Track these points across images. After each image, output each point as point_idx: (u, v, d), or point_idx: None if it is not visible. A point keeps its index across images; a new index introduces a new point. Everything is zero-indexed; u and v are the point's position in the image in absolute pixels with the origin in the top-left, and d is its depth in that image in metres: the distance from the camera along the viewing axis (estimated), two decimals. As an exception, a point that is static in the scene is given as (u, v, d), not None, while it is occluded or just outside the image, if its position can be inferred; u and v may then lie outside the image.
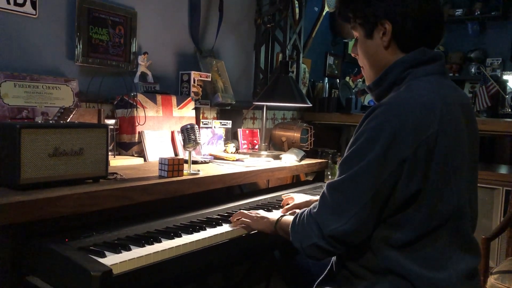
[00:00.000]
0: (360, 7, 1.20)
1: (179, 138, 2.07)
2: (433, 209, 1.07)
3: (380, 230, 1.10)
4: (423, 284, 1.07)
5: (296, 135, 2.55)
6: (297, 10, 2.97)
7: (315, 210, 1.14)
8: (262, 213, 1.49)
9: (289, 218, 1.30)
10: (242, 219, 1.49)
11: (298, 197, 1.75)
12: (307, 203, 1.67)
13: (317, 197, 1.71)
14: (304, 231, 1.14)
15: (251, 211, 1.54)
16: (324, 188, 1.14)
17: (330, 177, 2.89)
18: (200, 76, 2.33)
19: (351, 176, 1.07)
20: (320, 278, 1.30)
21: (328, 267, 1.29)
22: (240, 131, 2.54)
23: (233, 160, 2.07)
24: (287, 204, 1.72)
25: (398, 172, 1.04)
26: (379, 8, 1.16)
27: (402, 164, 1.03)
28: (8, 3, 1.68)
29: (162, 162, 1.56)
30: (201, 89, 2.34)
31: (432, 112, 1.06)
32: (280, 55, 2.96)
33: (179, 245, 1.26)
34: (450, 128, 1.07)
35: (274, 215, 1.43)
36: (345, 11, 1.25)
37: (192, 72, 2.29)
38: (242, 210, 1.55)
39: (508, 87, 3.98)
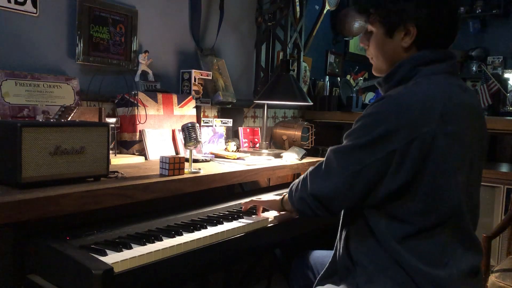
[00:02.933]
0: (385, 5, 1.18)
1: (180, 137, 2.07)
2: (431, 205, 1.08)
3: (383, 220, 1.12)
4: (424, 280, 1.08)
5: (297, 133, 2.55)
6: (298, 8, 2.96)
7: (311, 169, 1.26)
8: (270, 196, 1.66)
9: None
10: (252, 199, 1.62)
11: None
12: None
13: None
14: (298, 187, 1.29)
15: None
16: (327, 151, 1.23)
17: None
18: (201, 75, 2.33)
19: (344, 148, 1.15)
20: (321, 274, 1.31)
21: (330, 261, 1.29)
22: (241, 130, 2.54)
23: (234, 159, 2.07)
24: None
25: (387, 161, 1.08)
26: (406, 9, 1.15)
27: (391, 155, 1.07)
28: (9, 1, 1.67)
29: (163, 160, 1.56)
30: (202, 87, 2.34)
31: (431, 110, 1.06)
32: (281, 54, 2.95)
33: (180, 244, 1.26)
34: (451, 128, 1.07)
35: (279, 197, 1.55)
36: (366, 4, 1.22)
37: (193, 71, 2.29)
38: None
39: (509, 85, 3.98)
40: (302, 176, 1.30)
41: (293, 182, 1.35)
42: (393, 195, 1.10)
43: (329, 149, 1.21)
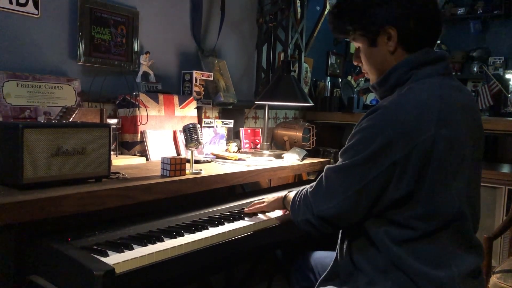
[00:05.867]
0: (358, 18, 1.19)
1: (181, 138, 2.07)
2: (432, 210, 1.08)
3: (383, 226, 1.11)
4: (425, 281, 1.08)
5: (298, 134, 2.55)
6: (299, 9, 2.97)
7: (311, 189, 1.24)
8: (274, 195, 1.62)
9: (293, 194, 1.38)
10: (256, 206, 1.60)
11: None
12: None
13: None
14: (300, 208, 1.25)
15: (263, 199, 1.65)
16: (324, 170, 1.21)
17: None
18: (202, 76, 2.33)
19: (345, 166, 1.13)
20: (323, 276, 1.31)
21: (331, 264, 1.29)
22: (242, 131, 2.55)
23: (235, 160, 2.07)
24: None
25: (389, 173, 1.07)
26: (378, 15, 1.15)
27: (393, 166, 1.06)
28: (11, 3, 1.68)
29: (164, 161, 1.56)
30: (203, 88, 2.34)
31: (428, 115, 1.06)
32: (282, 54, 2.96)
33: (182, 245, 1.26)
34: (449, 131, 1.07)
35: (283, 193, 1.54)
36: (343, 24, 1.24)
37: (194, 72, 2.29)
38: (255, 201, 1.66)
39: (510, 86, 3.97)
40: (301, 194, 1.27)
41: (294, 199, 1.30)
42: (395, 203, 1.09)
43: (327, 167, 1.20)
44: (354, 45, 1.26)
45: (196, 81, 2.29)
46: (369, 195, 1.10)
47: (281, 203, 1.51)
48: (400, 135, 1.05)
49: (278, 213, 1.69)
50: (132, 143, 1.97)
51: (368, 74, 1.28)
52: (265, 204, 1.58)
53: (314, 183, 1.24)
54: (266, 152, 2.33)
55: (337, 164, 1.17)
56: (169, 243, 1.25)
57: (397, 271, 1.10)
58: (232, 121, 2.47)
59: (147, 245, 1.22)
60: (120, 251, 1.15)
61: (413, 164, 1.05)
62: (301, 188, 1.31)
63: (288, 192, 1.47)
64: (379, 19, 1.16)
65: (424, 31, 1.16)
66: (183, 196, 1.55)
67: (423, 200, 1.07)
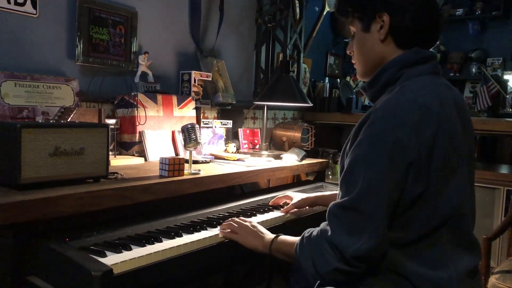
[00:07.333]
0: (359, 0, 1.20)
1: (179, 138, 2.06)
2: (434, 209, 1.07)
3: None
4: (424, 283, 1.07)
5: (297, 135, 2.55)
6: (297, 9, 2.96)
7: (328, 234, 1.07)
8: (256, 224, 1.41)
9: (288, 239, 1.26)
10: (230, 230, 1.40)
11: (295, 196, 1.74)
12: (305, 201, 1.68)
13: (314, 194, 1.73)
14: (320, 257, 1.07)
15: (241, 218, 1.46)
16: (332, 209, 1.08)
17: (330, 177, 2.89)
18: (201, 76, 2.33)
19: (362, 191, 1.03)
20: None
21: None
22: (240, 131, 2.54)
23: (234, 160, 2.06)
24: (282, 204, 1.73)
25: (406, 176, 1.03)
26: (378, 0, 1.16)
27: (409, 168, 1.03)
28: (9, 2, 1.67)
29: (162, 161, 1.56)
30: (201, 88, 2.34)
31: (429, 112, 1.05)
32: (281, 55, 2.96)
33: (180, 245, 1.25)
34: (446, 128, 1.07)
35: (270, 233, 1.35)
36: (344, 5, 1.25)
37: (193, 72, 2.29)
38: (233, 218, 1.45)
39: (508, 87, 3.98)
40: (310, 246, 1.11)
41: (299, 249, 1.15)
42: (406, 207, 1.07)
43: (336, 205, 1.07)
44: (351, 30, 1.26)
45: (194, 81, 2.29)
46: (392, 208, 1.04)
47: (266, 246, 1.30)
48: (406, 132, 1.02)
49: (277, 213, 1.70)
50: (130, 143, 1.96)
51: (356, 65, 1.27)
52: (240, 235, 1.37)
53: (325, 225, 1.10)
54: (264, 152, 2.33)
55: (347, 195, 1.05)
56: (167, 244, 1.25)
57: (395, 274, 1.10)
58: (231, 121, 2.47)
59: (145, 246, 1.22)
60: (118, 251, 1.15)
61: (423, 162, 1.03)
62: (306, 234, 1.15)
63: (276, 236, 1.30)
64: (378, 4, 1.16)
65: (418, 31, 1.16)
66: (182, 196, 1.54)
67: (425, 199, 1.06)
